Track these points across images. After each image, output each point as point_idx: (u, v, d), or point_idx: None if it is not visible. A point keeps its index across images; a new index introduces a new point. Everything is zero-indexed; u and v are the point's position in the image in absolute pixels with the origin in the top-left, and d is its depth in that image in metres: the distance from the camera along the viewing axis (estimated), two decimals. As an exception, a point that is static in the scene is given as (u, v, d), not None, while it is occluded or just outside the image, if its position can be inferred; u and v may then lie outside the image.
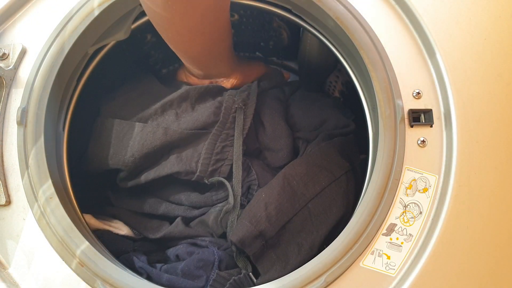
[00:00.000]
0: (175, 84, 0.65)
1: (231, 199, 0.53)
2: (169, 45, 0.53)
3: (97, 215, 0.55)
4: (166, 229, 0.56)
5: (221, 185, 0.57)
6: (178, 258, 0.53)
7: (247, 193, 0.58)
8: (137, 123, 0.56)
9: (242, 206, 0.56)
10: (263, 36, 0.75)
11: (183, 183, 0.58)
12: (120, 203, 0.58)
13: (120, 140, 0.55)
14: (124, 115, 0.57)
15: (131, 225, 0.57)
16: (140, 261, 0.51)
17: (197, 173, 0.55)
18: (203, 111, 0.57)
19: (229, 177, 0.57)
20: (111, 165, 0.55)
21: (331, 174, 0.54)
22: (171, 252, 0.54)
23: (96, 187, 0.59)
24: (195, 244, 0.55)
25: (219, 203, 0.57)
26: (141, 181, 0.56)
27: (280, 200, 0.51)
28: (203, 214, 0.57)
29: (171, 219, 0.58)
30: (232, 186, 0.55)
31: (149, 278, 0.49)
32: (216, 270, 0.50)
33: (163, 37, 0.51)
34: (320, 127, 0.61)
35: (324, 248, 0.42)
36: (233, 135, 0.57)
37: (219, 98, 0.58)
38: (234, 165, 0.56)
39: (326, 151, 0.56)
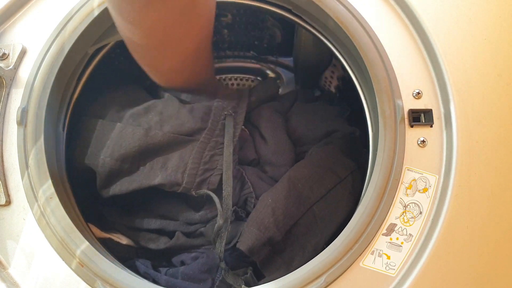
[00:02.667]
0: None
1: (219, 217, 0.50)
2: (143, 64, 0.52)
3: (100, 225, 0.54)
4: (168, 243, 0.54)
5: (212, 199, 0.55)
6: (183, 263, 0.53)
7: (245, 205, 0.56)
8: (118, 124, 0.52)
9: (240, 218, 0.54)
10: (257, 35, 0.75)
11: (175, 196, 0.55)
12: (114, 219, 0.56)
13: (99, 140, 0.52)
14: (107, 114, 0.55)
15: (131, 238, 0.56)
16: (144, 266, 0.51)
17: (183, 185, 0.51)
18: (190, 116, 0.53)
19: (220, 187, 0.53)
20: (88, 164, 0.52)
21: (336, 176, 0.53)
22: (176, 259, 0.54)
23: (93, 199, 0.56)
24: (199, 252, 0.55)
25: (213, 219, 0.55)
26: (122, 190, 0.51)
27: (286, 204, 0.50)
28: (200, 228, 0.55)
29: (167, 233, 0.56)
30: (222, 199, 0.52)
31: (155, 282, 0.48)
32: (223, 271, 0.50)
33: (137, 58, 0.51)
34: (326, 138, 0.60)
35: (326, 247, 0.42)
36: (223, 143, 0.54)
37: (207, 103, 0.56)
38: (223, 176, 0.52)
39: (330, 152, 0.55)
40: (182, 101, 0.57)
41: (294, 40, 0.70)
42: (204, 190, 0.52)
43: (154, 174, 0.51)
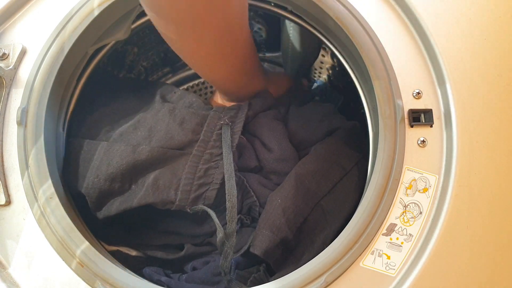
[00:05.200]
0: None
1: (219, 230, 0.49)
2: (197, 72, 0.54)
3: (107, 240, 0.53)
4: (177, 254, 0.54)
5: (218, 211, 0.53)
6: (195, 269, 0.53)
7: (249, 212, 0.55)
8: (105, 142, 0.50)
9: (246, 225, 0.54)
10: None
11: (177, 211, 0.53)
12: (119, 237, 0.55)
13: (87, 162, 0.50)
14: (96, 134, 0.53)
15: (140, 250, 0.55)
16: (157, 273, 0.51)
17: (176, 203, 0.50)
18: (180, 129, 0.51)
19: (216, 202, 0.52)
20: (79, 188, 0.50)
21: (341, 169, 0.53)
22: (188, 267, 0.54)
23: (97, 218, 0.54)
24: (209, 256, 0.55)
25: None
26: (112, 212, 0.50)
27: (296, 203, 0.50)
28: (207, 238, 0.55)
29: (174, 246, 0.56)
30: (228, 209, 0.50)
31: None
32: (236, 270, 0.50)
33: (189, 65, 0.53)
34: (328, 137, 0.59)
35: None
36: (218, 155, 0.51)
37: (202, 113, 0.53)
38: (226, 185, 0.50)
39: (333, 145, 0.55)
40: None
41: (281, 35, 0.70)
42: (200, 206, 0.50)
43: (145, 193, 0.49)
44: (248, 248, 0.50)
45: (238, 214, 0.52)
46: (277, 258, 0.49)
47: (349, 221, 0.49)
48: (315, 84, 0.77)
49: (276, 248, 0.49)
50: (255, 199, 0.54)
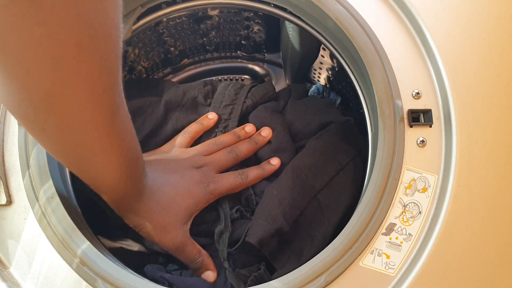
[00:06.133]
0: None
1: (222, 218, 0.52)
2: None
3: (109, 236, 0.54)
4: None
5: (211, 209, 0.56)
6: None
7: (248, 203, 0.56)
8: None
9: (245, 217, 0.55)
10: (244, 34, 0.75)
11: None
12: (124, 233, 0.56)
13: None
14: None
15: (142, 242, 0.56)
16: (159, 271, 0.51)
17: None
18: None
19: None
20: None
21: (337, 163, 0.54)
22: None
23: (101, 210, 0.54)
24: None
25: (216, 221, 0.56)
26: None
27: (292, 195, 0.51)
28: (206, 228, 0.56)
29: None
30: (219, 204, 0.53)
31: (170, 285, 0.49)
32: (237, 269, 0.51)
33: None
34: (321, 131, 0.60)
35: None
36: None
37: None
38: None
39: (329, 140, 0.56)
40: None
41: (280, 35, 0.70)
42: None
43: None
44: (248, 242, 0.51)
45: (237, 205, 0.54)
46: (273, 250, 0.50)
47: (346, 216, 0.50)
48: (313, 87, 0.78)
49: (271, 239, 0.49)
50: (251, 191, 0.55)
